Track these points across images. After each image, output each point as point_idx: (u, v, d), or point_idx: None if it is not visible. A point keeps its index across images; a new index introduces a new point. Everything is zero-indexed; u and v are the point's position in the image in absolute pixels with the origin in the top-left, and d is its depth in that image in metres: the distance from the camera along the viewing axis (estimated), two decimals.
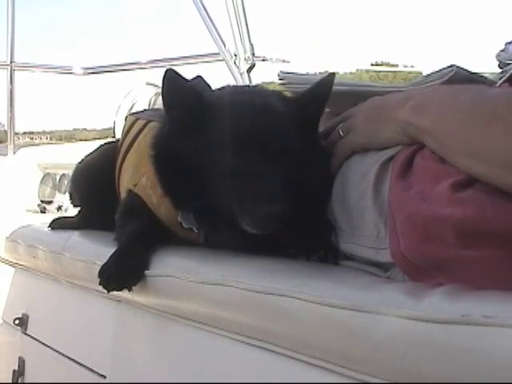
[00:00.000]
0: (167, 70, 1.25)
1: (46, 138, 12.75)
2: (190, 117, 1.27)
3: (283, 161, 1.21)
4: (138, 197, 1.50)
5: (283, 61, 3.19)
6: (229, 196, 1.20)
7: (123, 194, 1.65)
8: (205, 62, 3.44)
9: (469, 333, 0.79)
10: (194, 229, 1.34)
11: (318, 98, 1.33)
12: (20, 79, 3.85)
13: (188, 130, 1.28)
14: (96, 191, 1.86)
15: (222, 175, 1.22)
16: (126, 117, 1.91)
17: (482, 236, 0.91)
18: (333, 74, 1.31)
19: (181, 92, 1.28)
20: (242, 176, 1.19)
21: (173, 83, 1.27)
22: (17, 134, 3.78)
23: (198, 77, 1.53)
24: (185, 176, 1.26)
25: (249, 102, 1.29)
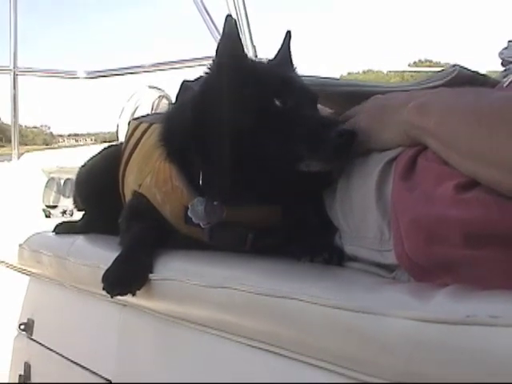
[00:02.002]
0: (228, 17, 1.31)
1: (91, 140, 12.75)
2: (234, 69, 1.30)
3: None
4: (143, 197, 1.49)
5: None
6: (287, 141, 1.22)
7: (128, 197, 1.65)
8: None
9: (475, 333, 0.78)
10: (202, 224, 1.33)
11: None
12: (64, 84, 3.89)
13: (230, 84, 1.29)
14: (99, 195, 1.85)
15: (275, 123, 1.24)
16: (129, 122, 1.91)
17: (487, 236, 0.91)
18: (288, 32, 1.38)
19: (234, 41, 1.33)
20: (299, 118, 1.24)
21: (231, 30, 1.32)
22: (61, 136, 3.83)
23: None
24: (215, 146, 1.27)
25: (273, 64, 1.44)
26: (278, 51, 1.44)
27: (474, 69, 1.32)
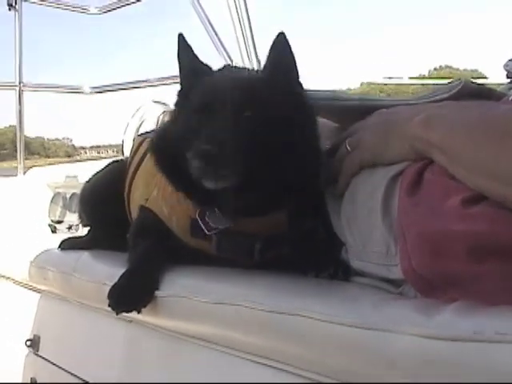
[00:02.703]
0: (179, 35, 1.38)
1: (113, 151, 12.83)
2: (189, 82, 1.38)
3: (246, 116, 1.24)
4: (150, 211, 1.49)
5: None
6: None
7: (134, 213, 1.65)
8: None
9: (482, 350, 0.78)
10: (206, 232, 1.33)
11: (280, 60, 1.32)
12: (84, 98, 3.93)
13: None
14: (104, 210, 1.85)
15: (188, 133, 1.27)
16: (134, 138, 1.91)
17: (494, 251, 0.90)
18: (282, 34, 1.30)
19: (188, 57, 1.40)
20: (198, 129, 1.24)
21: (183, 47, 1.40)
22: (84, 148, 3.85)
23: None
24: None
25: (224, 74, 1.42)
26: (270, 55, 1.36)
27: (493, 76, 1.33)
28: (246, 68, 1.71)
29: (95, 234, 2.00)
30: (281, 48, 1.31)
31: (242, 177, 1.21)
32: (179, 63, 1.41)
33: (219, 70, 1.43)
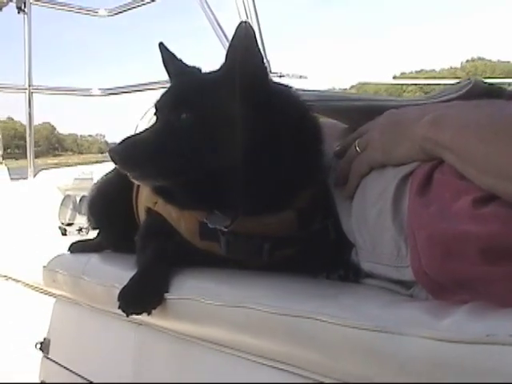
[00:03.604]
0: (159, 44, 1.42)
1: None
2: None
3: (180, 119, 1.25)
4: (158, 214, 1.49)
5: (300, 76, 3.18)
6: None
7: (141, 214, 1.65)
8: None
9: (495, 353, 0.77)
10: (221, 228, 1.33)
11: (241, 52, 1.25)
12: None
13: None
14: (112, 213, 1.85)
15: None
16: None
17: (505, 252, 0.89)
18: (245, 23, 1.25)
19: (173, 63, 1.43)
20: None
21: (166, 55, 1.43)
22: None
23: None
24: None
25: (185, 77, 1.41)
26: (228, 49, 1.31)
27: None
28: None
29: (104, 236, 2.00)
30: (239, 40, 1.25)
31: (177, 176, 1.25)
32: (166, 71, 1.43)
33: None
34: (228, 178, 1.22)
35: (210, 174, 1.23)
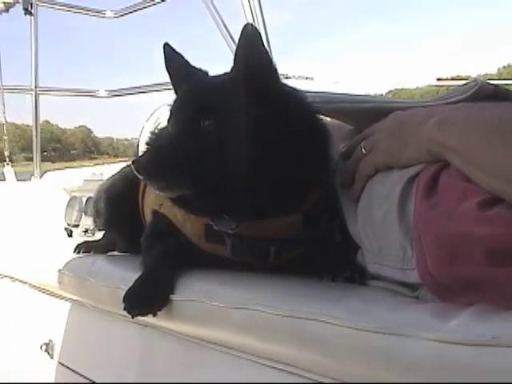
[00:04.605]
0: (164, 45, 1.40)
1: None
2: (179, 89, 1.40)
3: (201, 126, 1.23)
4: (165, 216, 1.49)
5: (306, 78, 3.18)
6: None
7: (148, 216, 1.65)
8: None
9: (500, 355, 0.76)
10: (227, 231, 1.32)
11: (250, 55, 1.25)
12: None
13: None
14: (119, 214, 1.85)
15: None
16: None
17: (511, 254, 0.89)
18: (251, 25, 1.24)
19: (178, 65, 1.42)
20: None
21: (170, 56, 1.41)
22: None
23: None
24: None
25: (196, 82, 1.37)
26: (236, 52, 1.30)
27: None
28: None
29: (109, 238, 2.01)
30: (246, 42, 1.24)
31: (196, 186, 1.23)
32: (168, 73, 1.41)
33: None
34: (240, 183, 1.21)
35: (228, 179, 1.22)
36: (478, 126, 1.01)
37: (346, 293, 1.16)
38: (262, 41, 1.24)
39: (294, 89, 1.36)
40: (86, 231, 3.02)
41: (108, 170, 2.63)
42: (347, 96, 1.49)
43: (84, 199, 3.13)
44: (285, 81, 1.34)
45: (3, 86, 3.92)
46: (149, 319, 1.35)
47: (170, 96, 1.41)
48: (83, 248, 2.09)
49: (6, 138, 3.98)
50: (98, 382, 1.85)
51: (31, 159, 3.82)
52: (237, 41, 1.24)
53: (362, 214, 1.25)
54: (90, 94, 4.09)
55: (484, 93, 1.28)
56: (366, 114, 1.40)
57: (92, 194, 2.91)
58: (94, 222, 2.05)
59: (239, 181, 1.20)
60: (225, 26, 3.13)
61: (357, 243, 1.27)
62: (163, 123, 2.75)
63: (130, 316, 1.30)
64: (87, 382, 1.90)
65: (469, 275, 0.95)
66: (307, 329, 1.04)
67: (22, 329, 2.45)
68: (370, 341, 0.93)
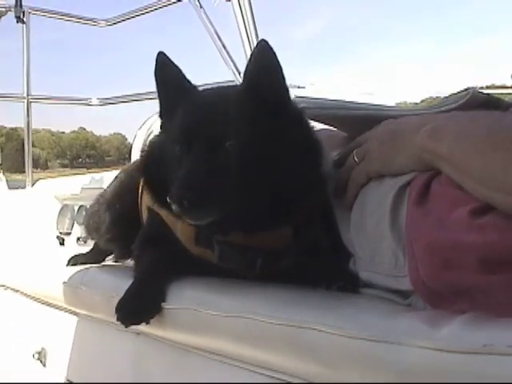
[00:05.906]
0: (159, 53, 1.37)
1: None
2: (174, 101, 1.35)
3: (224, 148, 1.21)
4: (158, 214, 1.47)
5: (298, 87, 3.18)
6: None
7: (144, 213, 1.63)
8: None
9: (492, 363, 0.77)
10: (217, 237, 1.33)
11: (264, 72, 1.25)
12: None
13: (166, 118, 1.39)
14: (123, 231, 1.80)
15: (172, 166, 1.26)
16: (142, 149, 1.89)
17: (503, 261, 0.90)
18: (263, 41, 1.24)
19: (172, 74, 1.38)
20: (180, 166, 1.23)
21: (163, 64, 1.37)
22: None
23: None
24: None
25: (202, 98, 1.35)
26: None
27: None
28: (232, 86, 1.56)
29: (101, 248, 1.99)
30: (261, 59, 1.25)
31: (226, 209, 1.20)
32: (156, 82, 1.38)
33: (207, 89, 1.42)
34: (245, 198, 1.21)
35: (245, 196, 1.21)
36: (470, 135, 1.01)
37: (338, 301, 1.16)
38: (276, 58, 1.24)
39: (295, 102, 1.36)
40: (77, 239, 3.02)
41: (107, 176, 2.63)
42: (341, 103, 1.49)
43: (76, 207, 3.12)
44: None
45: None
46: (142, 327, 1.35)
47: None
48: (75, 261, 2.07)
49: None
50: None
51: (66, 166, 3.82)
52: (248, 56, 1.25)
53: (354, 222, 1.25)
54: (83, 102, 4.08)
55: (476, 102, 1.28)
56: (358, 121, 1.40)
57: (83, 203, 2.92)
58: (87, 231, 2.02)
59: (245, 196, 1.21)
60: (218, 37, 3.15)
61: (350, 251, 1.27)
62: (156, 131, 2.75)
63: (124, 326, 1.30)
64: None
65: (461, 283, 0.95)
66: (300, 337, 1.04)
67: (14, 337, 2.44)
68: (362, 349, 0.93)
